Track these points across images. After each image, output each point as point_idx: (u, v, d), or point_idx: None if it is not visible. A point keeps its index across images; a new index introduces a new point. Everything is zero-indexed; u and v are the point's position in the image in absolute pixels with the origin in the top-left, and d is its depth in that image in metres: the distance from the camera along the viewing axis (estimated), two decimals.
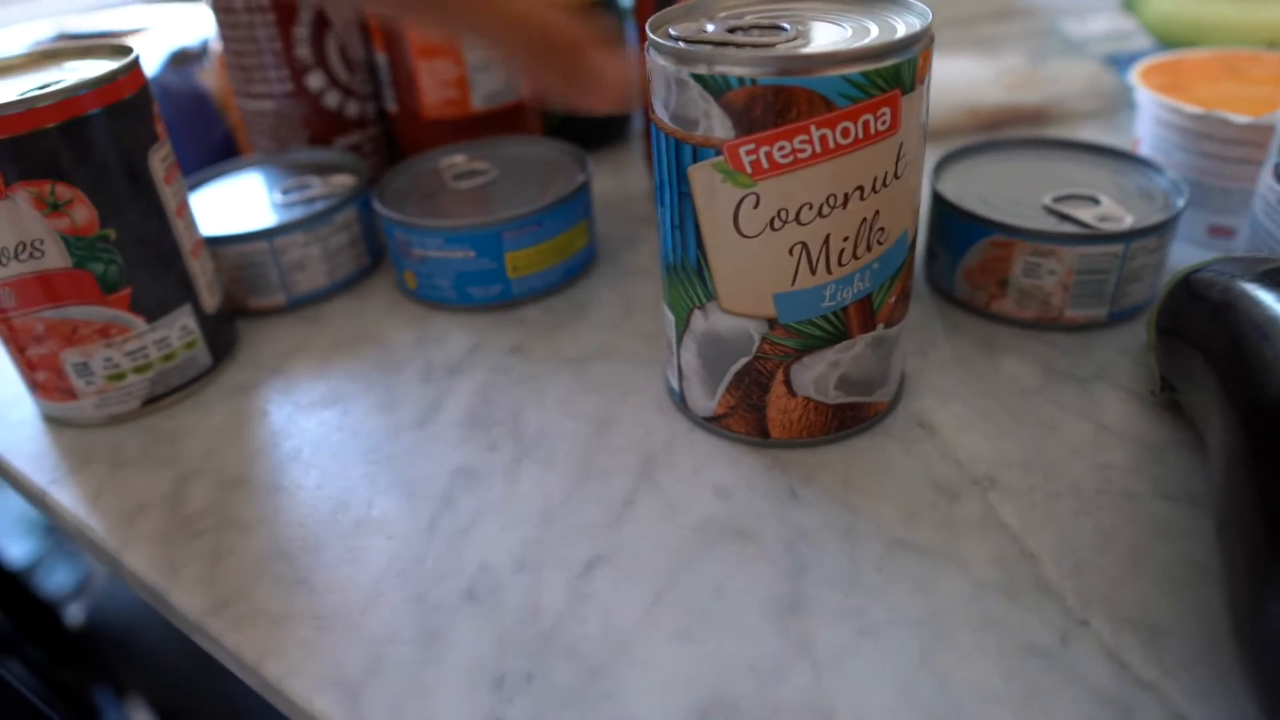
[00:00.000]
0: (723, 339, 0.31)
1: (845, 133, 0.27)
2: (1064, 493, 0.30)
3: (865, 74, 0.26)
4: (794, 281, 0.29)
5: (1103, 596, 0.27)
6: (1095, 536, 0.29)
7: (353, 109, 0.52)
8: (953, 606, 0.27)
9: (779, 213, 0.28)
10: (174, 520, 0.32)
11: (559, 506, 0.31)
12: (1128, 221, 0.37)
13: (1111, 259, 0.36)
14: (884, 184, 0.28)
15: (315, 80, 0.50)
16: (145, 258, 0.36)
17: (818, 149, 0.27)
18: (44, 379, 0.36)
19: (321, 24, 0.49)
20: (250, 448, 0.36)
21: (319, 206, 0.44)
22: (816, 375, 0.31)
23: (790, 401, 0.32)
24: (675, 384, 0.35)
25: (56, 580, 0.78)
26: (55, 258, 0.34)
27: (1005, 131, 0.60)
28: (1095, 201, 0.39)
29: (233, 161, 0.50)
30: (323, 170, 0.49)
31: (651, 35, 0.29)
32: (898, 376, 0.34)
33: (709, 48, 0.27)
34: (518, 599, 0.28)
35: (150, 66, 0.55)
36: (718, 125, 0.27)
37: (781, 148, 0.27)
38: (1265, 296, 0.27)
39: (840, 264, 0.29)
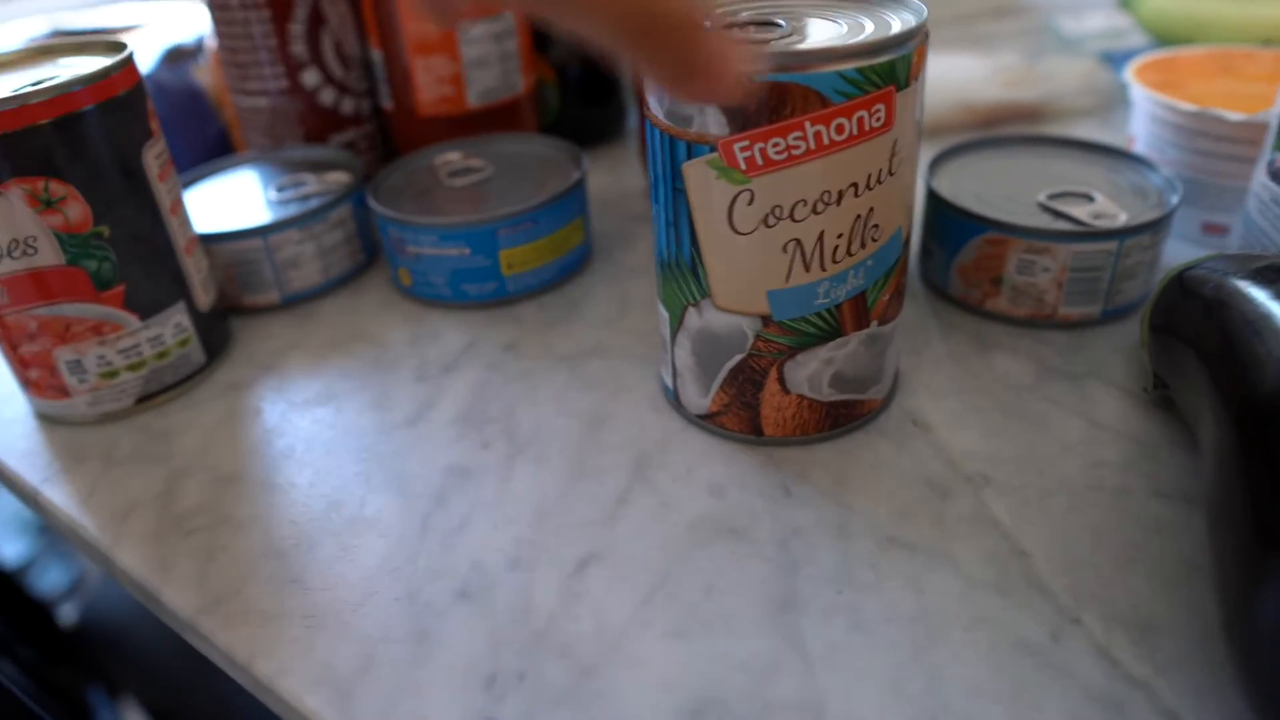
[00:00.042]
0: (717, 336, 0.31)
1: (840, 129, 0.27)
2: (1056, 490, 0.30)
3: (860, 70, 0.26)
4: (788, 279, 0.29)
5: (1094, 594, 0.27)
6: (1087, 534, 0.29)
7: (348, 106, 0.52)
8: (945, 604, 0.27)
9: (773, 209, 0.28)
10: (166, 519, 0.32)
11: (552, 504, 0.31)
12: (1122, 219, 0.37)
13: (1105, 256, 0.36)
14: (878, 181, 0.28)
15: (310, 77, 0.50)
16: (139, 255, 0.36)
17: (812, 145, 0.27)
18: (36, 377, 0.36)
19: (317, 21, 0.49)
20: (243, 446, 0.35)
21: (314, 204, 0.44)
22: (810, 373, 0.31)
23: (784, 399, 0.32)
24: (669, 382, 0.35)
25: (50, 580, 0.78)
26: (48, 255, 0.34)
27: (1001, 128, 0.60)
28: (1089, 199, 0.39)
29: (227, 159, 0.50)
30: (317, 167, 0.49)
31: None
32: (891, 374, 0.34)
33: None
34: (510, 597, 0.28)
35: (145, 63, 0.55)
36: (712, 122, 0.27)
37: (776, 144, 0.27)
38: (1258, 294, 0.27)
39: (834, 261, 0.29)
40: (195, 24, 0.61)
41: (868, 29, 0.28)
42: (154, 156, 0.36)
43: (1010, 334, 0.38)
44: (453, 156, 0.49)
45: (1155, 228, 0.37)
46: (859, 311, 0.30)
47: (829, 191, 0.28)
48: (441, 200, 0.44)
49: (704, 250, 0.30)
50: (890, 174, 0.28)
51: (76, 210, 0.34)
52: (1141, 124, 0.46)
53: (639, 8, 0.22)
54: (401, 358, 0.40)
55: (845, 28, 0.28)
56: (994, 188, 0.41)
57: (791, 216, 0.28)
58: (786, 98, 0.26)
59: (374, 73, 0.52)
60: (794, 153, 0.27)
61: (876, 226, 0.29)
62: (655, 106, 0.29)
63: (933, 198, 0.40)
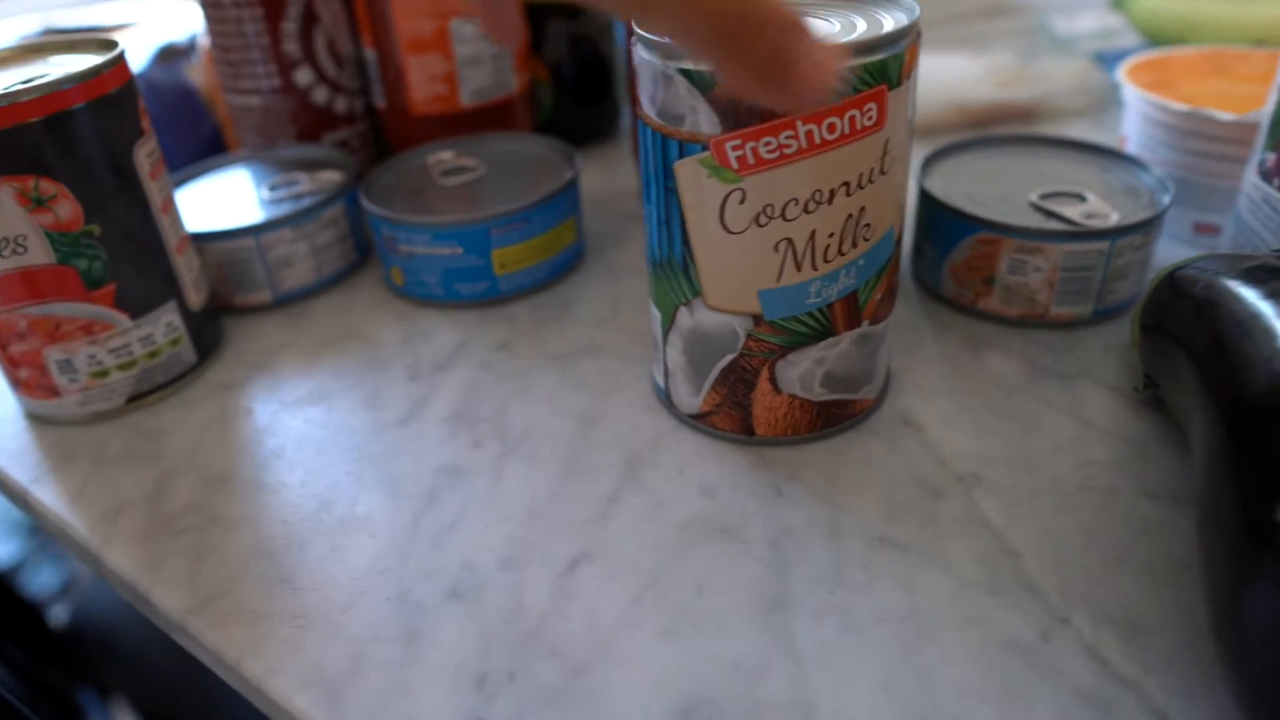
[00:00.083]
0: (708, 336, 0.31)
1: (831, 128, 0.27)
2: (1047, 490, 0.30)
3: (851, 69, 0.26)
4: (779, 278, 0.29)
5: (1084, 594, 0.27)
6: (1077, 534, 0.29)
7: (341, 105, 0.52)
8: (935, 604, 0.27)
9: (764, 208, 0.28)
10: (156, 518, 0.32)
11: (544, 504, 0.31)
12: (1113, 219, 0.37)
13: (1097, 256, 0.36)
14: (870, 180, 0.28)
15: (303, 76, 0.50)
16: (130, 254, 0.36)
17: (803, 144, 0.27)
18: (26, 376, 0.36)
19: (310, 19, 0.49)
20: (234, 445, 0.35)
21: (306, 203, 0.44)
22: (802, 372, 0.31)
23: (775, 399, 0.32)
24: (661, 381, 0.35)
25: (41, 581, 0.77)
26: (39, 254, 0.34)
27: (994, 128, 0.60)
28: (1081, 199, 0.39)
29: (220, 157, 0.50)
30: (310, 166, 0.49)
31: (638, 30, 0.29)
32: (883, 374, 0.34)
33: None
34: (501, 597, 0.28)
35: (137, 61, 0.55)
36: (704, 120, 0.27)
37: (767, 143, 0.27)
38: (1248, 293, 0.27)
39: (825, 260, 0.29)
40: (188, 22, 0.60)
41: (860, 28, 0.28)
42: (145, 155, 0.36)
43: (1002, 334, 0.38)
44: (446, 155, 0.49)
45: (1147, 227, 0.37)
46: (850, 311, 0.30)
47: (820, 190, 0.28)
48: (434, 199, 0.44)
49: (695, 249, 0.30)
50: (882, 173, 0.28)
51: (67, 209, 0.33)
52: (1134, 124, 0.46)
53: (732, 7, 0.20)
54: (394, 357, 0.40)
55: (838, 26, 0.28)
56: (986, 187, 0.41)
57: (783, 215, 0.28)
58: None
59: (367, 71, 0.52)
60: (785, 151, 0.27)
61: (868, 226, 0.29)
62: (647, 105, 0.29)
63: (925, 197, 0.40)
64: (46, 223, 0.33)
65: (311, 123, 0.51)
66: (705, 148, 0.27)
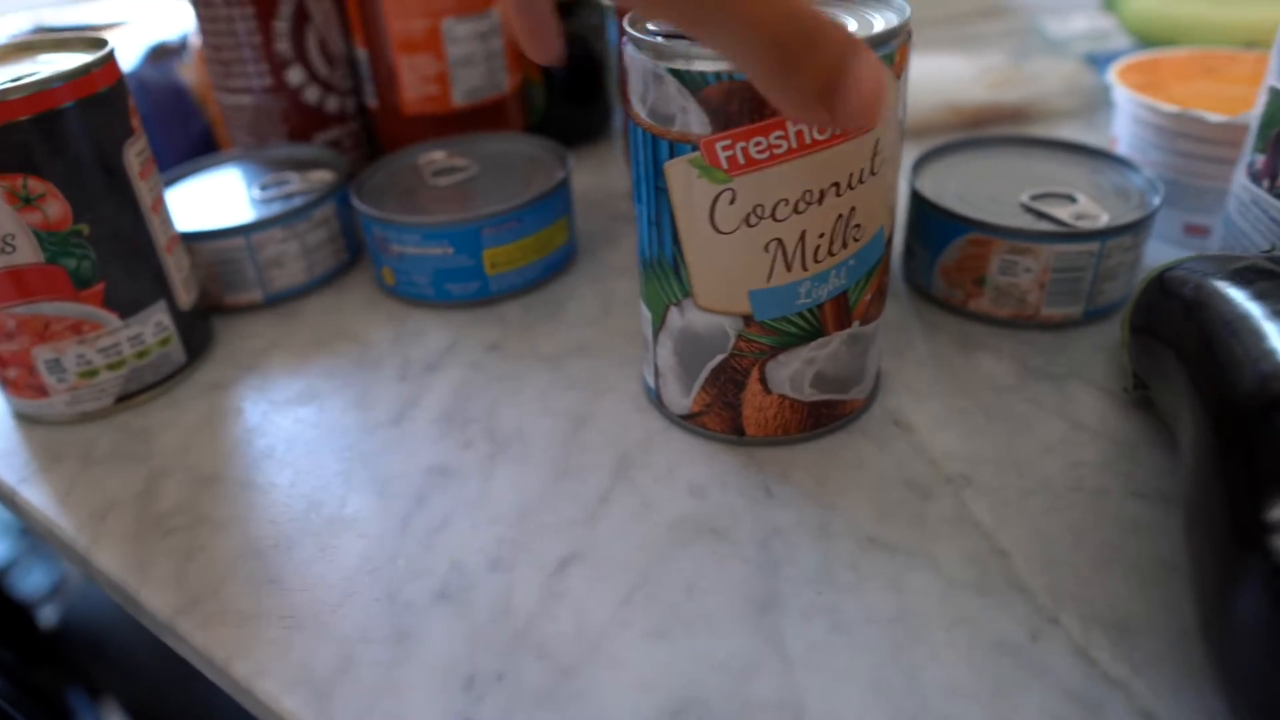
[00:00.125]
0: (698, 336, 0.31)
1: (821, 129, 0.27)
2: (1036, 490, 0.31)
3: None
4: (769, 278, 0.29)
5: (1073, 594, 0.27)
6: (1066, 534, 0.29)
7: (332, 104, 0.52)
8: (924, 604, 0.27)
9: (755, 209, 0.28)
10: (145, 518, 0.32)
11: (533, 504, 0.31)
12: (1104, 220, 0.37)
13: (1087, 257, 0.36)
14: (860, 180, 0.28)
15: (295, 75, 0.50)
16: (119, 253, 0.36)
17: (794, 144, 0.27)
18: (15, 376, 0.36)
19: (301, 18, 0.49)
20: (224, 445, 0.35)
21: (297, 202, 0.44)
22: (792, 373, 0.31)
23: (765, 399, 0.32)
24: (652, 381, 0.35)
25: (32, 582, 0.77)
26: (27, 253, 0.33)
27: (985, 129, 0.60)
28: (1072, 200, 0.39)
29: (211, 157, 0.50)
30: (301, 166, 0.49)
31: (630, 30, 0.28)
32: (873, 374, 0.34)
33: (687, 43, 0.27)
34: (490, 598, 0.28)
35: (128, 60, 0.54)
36: (694, 121, 0.27)
37: (758, 143, 0.27)
38: (1236, 294, 0.27)
39: (816, 260, 0.29)
40: (179, 21, 0.60)
41: (850, 28, 0.28)
42: (135, 154, 0.36)
43: (993, 334, 0.38)
44: (437, 155, 0.49)
45: (1137, 229, 0.37)
46: (841, 311, 0.30)
47: (810, 191, 0.28)
48: (426, 199, 0.44)
49: (686, 249, 0.30)
50: (872, 173, 0.28)
51: (56, 208, 0.33)
52: (1124, 125, 0.46)
53: (795, 26, 0.20)
54: (384, 357, 0.40)
55: None
56: (977, 188, 0.41)
57: (773, 216, 0.28)
58: None
59: (358, 71, 0.52)
60: (775, 152, 0.27)
61: (858, 226, 0.29)
62: (637, 105, 0.29)
63: (916, 198, 0.40)
64: (35, 222, 0.33)
65: (303, 122, 0.51)
66: (695, 148, 0.27)
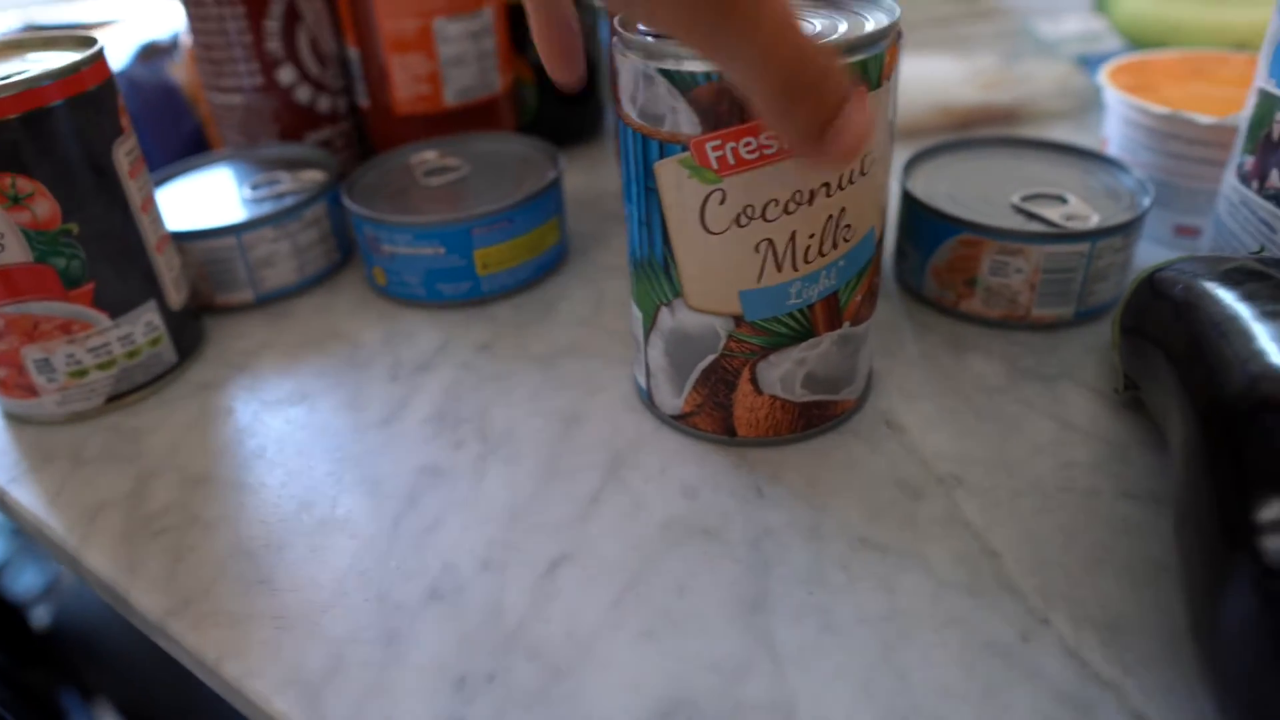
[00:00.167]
0: (689, 336, 0.31)
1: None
2: (1027, 491, 0.31)
3: None
4: (760, 279, 0.29)
5: (1064, 594, 0.27)
6: (1057, 534, 0.29)
7: (324, 104, 0.52)
8: (915, 605, 0.27)
9: (745, 209, 0.28)
10: (135, 519, 0.32)
11: (525, 505, 0.31)
12: (1094, 221, 0.37)
13: (1078, 258, 0.36)
14: (850, 180, 0.28)
15: (286, 74, 0.50)
16: (109, 253, 0.35)
17: (784, 145, 0.27)
18: (4, 375, 0.36)
19: (292, 17, 0.49)
20: (214, 445, 0.35)
21: (288, 202, 0.44)
22: (783, 373, 0.31)
23: (757, 400, 0.32)
24: (643, 382, 0.35)
25: (24, 583, 0.77)
26: (16, 252, 0.33)
27: (976, 130, 0.60)
28: (1063, 200, 0.39)
29: (202, 156, 0.50)
30: (293, 165, 0.49)
31: (620, 30, 0.28)
32: (865, 375, 0.34)
33: (677, 43, 0.27)
34: (481, 599, 0.28)
35: (119, 59, 0.54)
36: (684, 121, 0.27)
37: (748, 144, 0.27)
38: (1225, 295, 0.27)
39: (806, 261, 0.29)
40: (170, 20, 0.60)
41: (841, 29, 0.28)
42: (125, 153, 0.36)
43: (984, 335, 0.38)
44: (429, 155, 0.49)
45: (1127, 230, 0.37)
46: (831, 312, 0.30)
47: (801, 191, 0.28)
48: (417, 199, 0.44)
49: (676, 250, 0.30)
50: (862, 174, 0.28)
51: (44, 207, 0.33)
52: (1114, 126, 0.46)
53: (808, 65, 0.20)
54: (375, 357, 0.40)
55: (819, 27, 0.28)
56: (968, 189, 0.41)
57: (763, 216, 0.28)
58: None
59: (350, 70, 0.52)
60: (765, 152, 0.27)
61: (849, 227, 0.29)
62: (628, 105, 0.29)
63: (907, 199, 0.40)
64: (24, 221, 0.33)
65: (294, 121, 0.51)
66: (685, 148, 0.27)
